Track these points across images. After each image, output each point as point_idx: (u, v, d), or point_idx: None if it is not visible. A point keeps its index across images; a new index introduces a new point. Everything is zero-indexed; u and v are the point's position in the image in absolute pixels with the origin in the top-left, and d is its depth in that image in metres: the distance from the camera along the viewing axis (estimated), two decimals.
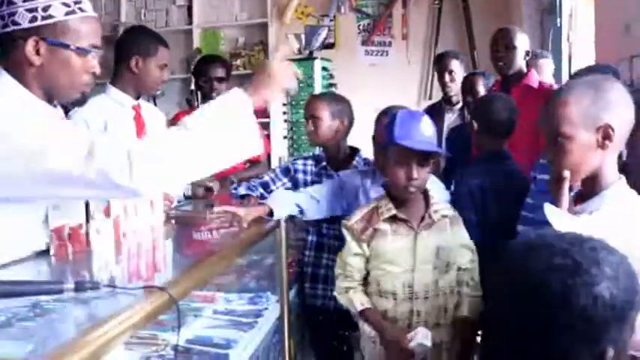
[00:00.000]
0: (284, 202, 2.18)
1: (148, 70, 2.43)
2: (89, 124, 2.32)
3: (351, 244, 1.90)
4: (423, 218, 1.89)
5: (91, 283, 1.15)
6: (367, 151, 2.48)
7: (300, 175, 2.52)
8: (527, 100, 2.52)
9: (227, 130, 1.41)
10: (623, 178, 1.42)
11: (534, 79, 2.92)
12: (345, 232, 1.92)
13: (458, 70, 3.42)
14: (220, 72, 3.22)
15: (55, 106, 1.54)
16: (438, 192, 2.21)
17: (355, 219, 1.92)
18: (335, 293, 1.96)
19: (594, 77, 1.52)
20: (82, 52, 1.44)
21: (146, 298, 1.11)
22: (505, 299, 0.89)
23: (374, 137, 2.26)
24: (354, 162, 2.47)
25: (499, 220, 2.14)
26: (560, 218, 1.28)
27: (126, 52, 2.43)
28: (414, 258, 1.87)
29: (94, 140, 1.31)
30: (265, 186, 2.51)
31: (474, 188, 2.28)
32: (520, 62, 2.93)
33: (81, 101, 1.56)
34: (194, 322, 2.02)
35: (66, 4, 1.41)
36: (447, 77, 3.42)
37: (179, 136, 1.38)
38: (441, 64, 3.50)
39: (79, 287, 1.13)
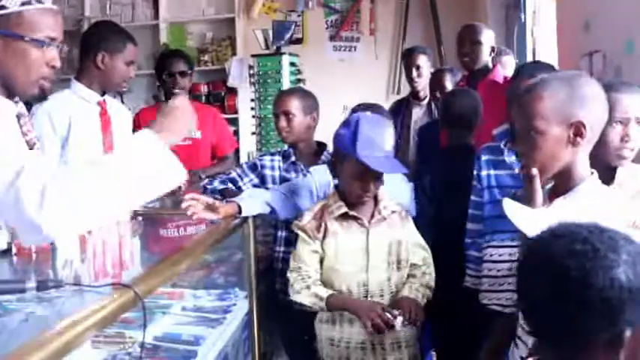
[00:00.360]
0: (254, 201, 2.16)
1: (115, 67, 2.40)
2: (53, 119, 2.30)
3: (306, 244, 1.90)
4: (372, 215, 1.90)
5: (54, 282, 1.14)
6: (330, 147, 2.50)
7: (268, 172, 2.49)
8: (493, 95, 2.56)
9: (144, 165, 1.32)
10: (595, 174, 1.42)
11: (500, 75, 2.97)
12: (299, 232, 1.93)
13: (425, 65, 3.45)
14: (182, 66, 3.18)
15: (16, 102, 1.50)
16: (404, 192, 2.24)
17: (307, 219, 1.92)
18: (292, 296, 1.92)
19: (569, 73, 1.51)
20: (37, 43, 1.39)
21: (111, 296, 1.10)
22: (532, 284, 0.96)
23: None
24: (322, 157, 2.48)
25: (457, 215, 2.17)
26: (520, 214, 1.30)
27: (92, 47, 2.39)
28: (367, 256, 1.88)
29: (24, 164, 1.23)
30: (233, 182, 2.50)
31: (435, 182, 2.31)
32: (485, 58, 2.98)
33: (42, 97, 1.51)
34: (162, 319, 2.01)
35: None
36: (414, 72, 3.45)
37: (97, 173, 1.28)
38: (408, 59, 3.53)
39: (42, 286, 1.12)
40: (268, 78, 3.71)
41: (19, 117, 1.50)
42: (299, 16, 5.11)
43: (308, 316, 2.44)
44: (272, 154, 2.56)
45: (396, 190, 2.17)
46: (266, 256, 2.56)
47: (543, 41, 3.43)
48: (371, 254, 1.87)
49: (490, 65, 3.02)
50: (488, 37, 2.99)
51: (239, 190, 2.47)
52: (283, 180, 2.46)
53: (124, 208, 1.35)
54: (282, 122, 2.46)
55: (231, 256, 2.41)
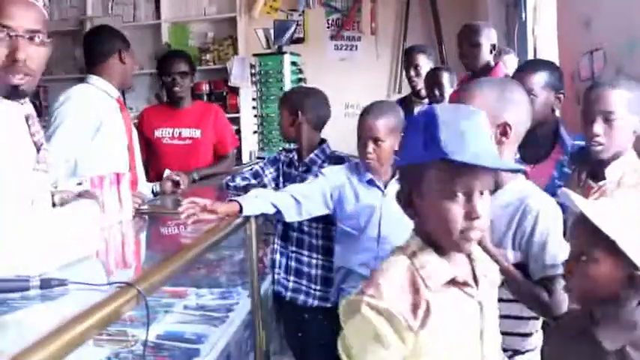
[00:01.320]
0: (258, 200, 2.09)
1: (131, 63, 2.59)
2: (87, 109, 2.36)
3: (388, 336, 1.04)
4: (474, 273, 1.16)
5: (57, 280, 1.14)
6: (333, 146, 2.52)
7: (286, 169, 2.49)
8: None
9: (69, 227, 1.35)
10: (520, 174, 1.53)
11: (502, 72, 2.97)
12: (374, 317, 1.04)
13: (424, 64, 3.46)
14: (183, 67, 3.20)
15: (22, 103, 1.47)
16: None
17: (391, 291, 1.05)
18: None
19: (502, 79, 1.71)
20: None
21: (114, 294, 1.11)
22: None
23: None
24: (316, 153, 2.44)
25: None
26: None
27: (116, 44, 2.53)
28: (482, 345, 1.15)
29: None
30: (256, 176, 2.50)
31: None
32: (486, 57, 2.98)
33: (20, 94, 1.43)
34: (165, 318, 2.02)
35: None
36: (412, 72, 3.46)
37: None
38: (407, 58, 3.54)
39: (45, 284, 1.13)
40: (270, 77, 3.72)
41: (27, 118, 1.47)
42: (300, 15, 5.12)
43: (308, 311, 2.45)
44: (289, 152, 2.55)
45: None
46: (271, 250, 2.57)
47: (544, 40, 3.43)
48: (485, 341, 1.16)
49: (492, 63, 3.02)
50: (488, 37, 2.99)
51: (262, 185, 2.48)
52: (284, 176, 2.48)
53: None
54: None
55: (233, 254, 2.42)
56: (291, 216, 2.12)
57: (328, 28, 5.16)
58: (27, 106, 1.48)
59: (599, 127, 1.65)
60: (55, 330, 0.93)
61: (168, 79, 3.20)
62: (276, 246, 2.45)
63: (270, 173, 2.51)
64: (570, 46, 2.73)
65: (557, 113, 2.22)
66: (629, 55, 2.11)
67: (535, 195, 1.50)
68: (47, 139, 1.86)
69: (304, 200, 2.13)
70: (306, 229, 2.40)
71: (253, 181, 2.47)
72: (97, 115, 2.37)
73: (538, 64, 2.06)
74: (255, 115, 3.78)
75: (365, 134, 2.11)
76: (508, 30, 3.89)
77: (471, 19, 4.24)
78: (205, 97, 4.99)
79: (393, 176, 2.16)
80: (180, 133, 3.24)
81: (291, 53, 3.81)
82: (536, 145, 1.96)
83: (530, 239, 1.45)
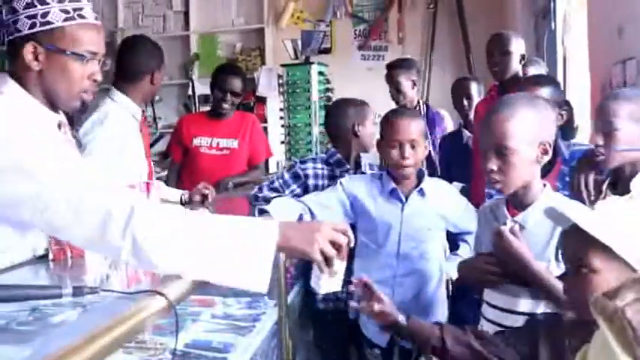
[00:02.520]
0: (286, 208, 2.09)
1: (159, 82, 2.58)
2: (120, 126, 2.38)
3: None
4: None
5: (89, 288, 1.16)
6: None
7: (311, 181, 2.43)
8: None
9: (239, 251, 1.20)
10: (549, 185, 1.59)
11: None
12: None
13: (404, 80, 3.39)
14: (237, 86, 3.24)
15: (57, 110, 1.55)
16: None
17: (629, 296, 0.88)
18: None
19: (531, 96, 1.66)
20: (78, 57, 1.45)
21: (144, 302, 1.12)
22: None
23: (381, 141, 2.18)
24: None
25: None
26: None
27: (150, 65, 2.50)
28: None
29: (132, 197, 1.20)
30: (276, 191, 2.45)
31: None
32: (516, 67, 2.95)
33: (82, 110, 1.57)
34: (192, 326, 2.03)
35: (65, 11, 1.42)
36: (393, 89, 3.40)
37: (195, 221, 1.22)
38: (389, 74, 3.47)
39: (77, 292, 1.14)
40: (297, 87, 3.73)
41: (59, 126, 1.55)
42: (327, 25, 5.14)
43: (343, 320, 2.43)
44: (314, 161, 2.52)
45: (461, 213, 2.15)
46: (295, 263, 2.57)
47: (574, 49, 3.39)
48: None
49: (521, 73, 2.99)
50: (517, 46, 2.96)
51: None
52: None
53: (198, 273, 1.22)
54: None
55: None
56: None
57: (355, 38, 5.18)
58: (60, 115, 1.56)
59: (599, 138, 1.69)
60: (87, 338, 0.94)
61: (219, 94, 3.24)
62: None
63: (291, 191, 2.44)
64: (601, 55, 2.69)
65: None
66: None
67: (571, 205, 1.51)
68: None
69: (321, 210, 2.09)
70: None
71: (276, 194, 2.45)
72: (125, 137, 2.40)
73: (542, 79, 2.04)
74: (283, 125, 3.79)
75: (401, 137, 2.05)
76: (537, 40, 3.85)
77: (499, 29, 4.20)
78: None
79: (416, 186, 2.14)
80: (218, 143, 3.29)
81: (319, 63, 3.82)
82: None
83: None
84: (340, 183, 2.19)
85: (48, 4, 1.40)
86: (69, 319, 1.12)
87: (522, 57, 2.97)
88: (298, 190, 2.45)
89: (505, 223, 1.56)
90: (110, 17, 5.49)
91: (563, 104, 2.03)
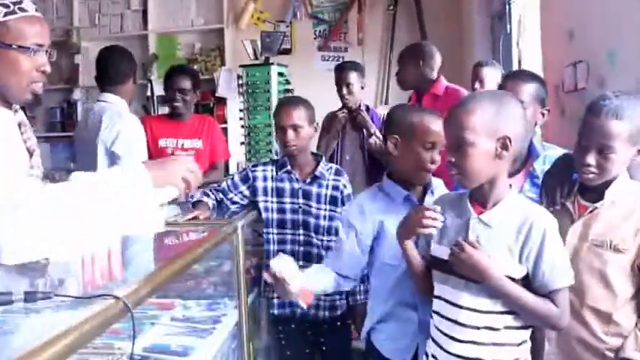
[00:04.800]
0: (322, 280, 1.90)
1: (137, 82, 3.03)
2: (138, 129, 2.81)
3: None
4: None
5: (42, 293, 1.13)
6: None
7: (260, 183, 2.49)
8: (436, 107, 2.49)
9: (119, 201, 1.35)
10: (514, 186, 1.60)
11: (441, 87, 3.26)
12: None
13: (355, 82, 3.44)
14: (187, 84, 3.35)
15: (16, 111, 1.55)
16: None
17: None
18: None
19: (498, 92, 1.73)
20: (25, 50, 1.44)
21: (100, 306, 1.10)
22: None
23: (394, 140, 1.91)
24: (320, 169, 2.47)
25: None
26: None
27: (130, 67, 2.93)
28: None
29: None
30: (224, 193, 2.51)
31: None
32: (428, 75, 3.29)
33: (36, 103, 1.56)
34: (151, 330, 2.01)
35: (5, 5, 1.43)
36: (344, 89, 3.44)
37: (63, 194, 1.31)
38: (338, 75, 3.48)
39: (30, 298, 1.11)
40: (257, 88, 3.72)
41: (20, 125, 1.55)
42: (287, 26, 5.14)
43: (307, 328, 2.44)
44: (264, 164, 2.55)
45: None
46: (255, 265, 2.57)
47: (529, 52, 3.47)
48: None
49: (434, 79, 3.29)
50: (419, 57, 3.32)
51: (230, 202, 2.49)
52: (277, 190, 2.46)
53: (90, 240, 1.34)
54: (290, 135, 2.41)
55: (220, 266, 2.41)
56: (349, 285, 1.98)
57: (315, 39, 5.19)
58: (19, 114, 1.57)
59: (592, 157, 1.57)
60: (39, 344, 0.92)
61: (170, 94, 3.29)
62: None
63: (239, 192, 2.50)
64: (554, 57, 2.76)
65: (538, 129, 2.24)
66: (611, 67, 2.14)
67: (538, 210, 1.54)
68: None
69: (350, 273, 1.94)
70: (315, 241, 2.46)
71: (219, 197, 2.50)
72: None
73: (528, 76, 2.02)
74: (243, 126, 3.78)
75: (440, 138, 1.80)
76: (493, 42, 3.93)
77: (457, 31, 4.30)
78: (193, 108, 4.97)
79: (425, 188, 1.95)
80: (183, 144, 3.32)
81: (279, 64, 3.82)
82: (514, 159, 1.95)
83: (538, 257, 1.48)
84: (352, 225, 1.93)
85: None
86: (20, 326, 1.09)
87: (417, 65, 3.33)
88: (247, 192, 2.51)
89: (469, 220, 1.56)
90: (65, 16, 5.37)
91: (545, 103, 1.97)
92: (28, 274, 1.43)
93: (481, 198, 1.56)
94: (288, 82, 3.83)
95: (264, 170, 2.50)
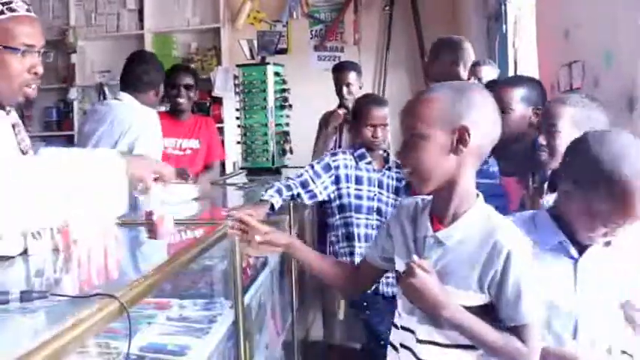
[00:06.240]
0: None
1: (159, 96, 3.06)
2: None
3: None
4: None
5: (38, 293, 1.13)
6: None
7: (342, 170, 2.65)
8: None
9: (89, 182, 1.39)
10: (481, 197, 1.35)
11: None
12: None
13: (355, 82, 3.47)
14: (189, 80, 3.41)
15: (8, 112, 1.54)
16: None
17: None
18: None
19: (462, 82, 1.67)
20: (14, 51, 1.42)
21: (96, 306, 1.10)
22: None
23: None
24: (389, 164, 2.72)
25: None
26: None
27: (159, 79, 2.96)
28: None
29: None
30: (304, 185, 2.56)
31: None
32: (460, 73, 3.11)
33: (28, 104, 1.57)
34: (147, 329, 2.00)
35: None
36: (344, 89, 3.46)
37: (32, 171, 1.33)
38: (338, 75, 3.53)
39: (25, 297, 1.12)
40: (253, 88, 3.71)
41: (13, 126, 1.55)
42: (284, 26, 5.15)
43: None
44: (343, 153, 2.72)
45: None
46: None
47: (524, 52, 3.48)
48: None
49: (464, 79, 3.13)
50: (448, 51, 3.16)
51: (309, 195, 2.56)
52: (356, 178, 2.65)
53: (55, 215, 1.36)
54: (379, 132, 2.64)
55: (217, 265, 2.42)
56: None
57: (312, 38, 5.20)
58: (12, 116, 1.56)
59: (542, 138, 1.77)
60: (35, 344, 0.92)
61: (174, 91, 3.31)
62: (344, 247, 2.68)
63: (321, 183, 2.61)
64: (550, 57, 2.77)
65: None
66: (606, 68, 2.14)
67: (503, 228, 1.31)
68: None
69: None
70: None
71: (297, 191, 2.53)
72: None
73: (517, 80, 2.13)
74: (239, 126, 3.78)
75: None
76: (489, 42, 3.94)
77: (453, 31, 4.30)
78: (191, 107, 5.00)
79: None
80: (180, 144, 3.35)
81: (275, 64, 3.82)
82: (516, 158, 1.99)
83: (501, 284, 1.27)
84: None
85: None
86: (17, 326, 1.09)
87: (454, 61, 3.06)
88: (328, 182, 2.62)
89: (425, 237, 1.35)
90: (61, 15, 5.36)
91: (539, 103, 2.08)
92: (22, 273, 1.43)
93: (440, 209, 1.35)
94: (284, 82, 3.83)
95: (344, 159, 2.67)
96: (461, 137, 1.27)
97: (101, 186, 1.39)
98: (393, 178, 2.73)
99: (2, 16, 1.42)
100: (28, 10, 1.47)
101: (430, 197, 1.39)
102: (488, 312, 1.29)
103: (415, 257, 1.31)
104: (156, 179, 1.52)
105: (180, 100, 3.36)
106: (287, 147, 3.74)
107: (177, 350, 1.85)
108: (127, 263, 1.72)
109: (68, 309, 1.10)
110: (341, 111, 3.48)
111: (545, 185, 1.81)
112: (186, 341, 1.92)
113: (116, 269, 1.60)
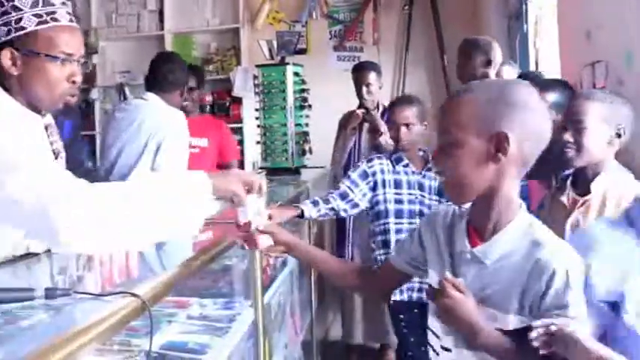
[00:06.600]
0: None
1: (183, 97, 3.04)
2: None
3: None
4: None
5: (61, 290, 1.15)
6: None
7: (379, 176, 2.61)
8: None
9: (178, 205, 1.38)
10: (524, 206, 1.22)
11: None
12: None
13: (375, 82, 3.45)
14: (190, 82, 3.30)
15: (44, 114, 1.58)
16: None
17: None
18: None
19: (506, 79, 1.40)
20: (52, 59, 1.46)
21: (118, 304, 1.11)
22: None
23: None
24: (429, 164, 2.61)
25: None
26: None
27: (185, 79, 2.96)
28: None
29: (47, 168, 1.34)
30: (343, 196, 2.55)
31: None
32: (480, 70, 3.05)
33: (67, 110, 1.60)
34: (168, 328, 2.02)
35: (38, 15, 1.45)
36: (363, 89, 3.44)
37: (130, 193, 1.35)
38: (357, 76, 3.51)
39: (50, 294, 1.13)
40: (272, 88, 3.73)
41: (46, 127, 1.59)
42: (303, 26, 5.15)
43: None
44: (378, 158, 2.67)
45: None
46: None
47: (546, 52, 3.45)
48: None
49: (492, 77, 3.05)
50: (484, 51, 3.06)
51: (351, 205, 2.54)
52: (395, 182, 2.59)
53: (140, 241, 1.38)
54: (403, 132, 2.57)
55: (237, 264, 2.43)
56: None
57: (331, 38, 5.19)
58: (47, 117, 1.60)
59: (568, 134, 1.71)
60: (59, 341, 0.94)
61: None
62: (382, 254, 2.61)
63: (360, 191, 2.58)
64: (572, 58, 2.74)
65: None
66: (628, 68, 2.12)
67: (548, 243, 1.17)
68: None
69: None
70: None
71: (336, 204, 2.51)
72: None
73: (550, 84, 2.10)
74: (258, 126, 3.79)
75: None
76: (510, 42, 3.91)
77: (473, 31, 4.27)
78: (209, 108, 5.03)
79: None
80: (190, 142, 3.34)
81: (294, 64, 3.83)
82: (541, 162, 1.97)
83: (552, 306, 1.13)
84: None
85: (21, 10, 1.43)
86: (41, 322, 1.11)
87: (488, 62, 3.03)
88: (366, 189, 2.59)
89: (461, 252, 1.22)
90: (83, 16, 5.42)
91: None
92: (47, 271, 1.45)
93: (478, 222, 1.22)
94: (303, 82, 3.84)
95: (380, 164, 2.63)
96: (499, 144, 1.13)
97: (190, 213, 1.40)
98: (434, 179, 2.62)
99: (45, 25, 1.46)
100: (70, 21, 1.52)
101: (466, 206, 1.27)
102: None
103: (448, 275, 1.19)
104: (248, 191, 1.49)
105: (184, 103, 3.35)
106: (306, 147, 3.75)
107: (198, 349, 1.86)
108: (148, 262, 1.74)
109: (91, 306, 1.12)
110: (360, 111, 3.47)
111: (568, 182, 1.78)
112: (206, 340, 1.93)
113: (138, 268, 1.62)
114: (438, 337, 1.29)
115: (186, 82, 2.96)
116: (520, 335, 1.14)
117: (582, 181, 1.73)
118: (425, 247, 1.35)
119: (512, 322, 1.16)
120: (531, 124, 1.15)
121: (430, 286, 1.29)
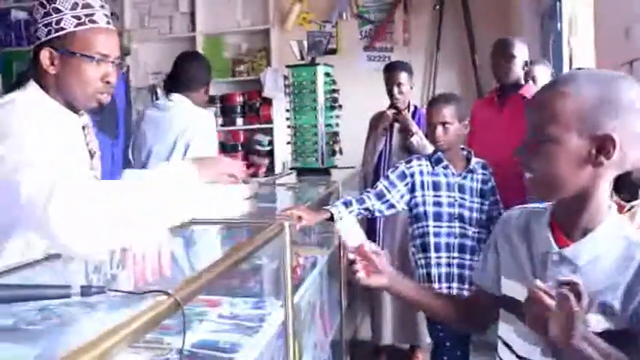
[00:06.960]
0: None
1: (208, 94, 3.11)
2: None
3: None
4: None
5: (97, 288, 1.16)
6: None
7: (417, 177, 2.55)
8: (521, 111, 2.50)
9: (167, 194, 1.46)
10: (614, 208, 1.13)
11: (531, 91, 2.96)
12: None
13: (406, 82, 3.41)
14: None
15: (81, 114, 1.65)
16: None
17: None
18: None
19: (608, 72, 1.13)
20: (87, 59, 1.52)
21: (152, 302, 1.12)
22: None
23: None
24: (472, 163, 2.53)
25: None
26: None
27: (208, 77, 3.00)
28: None
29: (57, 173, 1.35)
30: (379, 196, 2.52)
31: None
32: (518, 72, 2.98)
33: (100, 110, 1.64)
34: (199, 326, 2.03)
35: (77, 17, 1.52)
36: (395, 89, 3.41)
37: (129, 197, 1.39)
38: (389, 75, 3.47)
39: (85, 292, 1.15)
40: (303, 88, 3.73)
41: (83, 127, 1.65)
42: (333, 26, 5.15)
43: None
44: (418, 159, 2.60)
45: None
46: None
47: (580, 50, 3.38)
48: None
49: (522, 81, 3.02)
50: (521, 52, 2.99)
51: (387, 206, 2.51)
52: (434, 184, 2.53)
53: (139, 233, 1.43)
54: (439, 132, 2.48)
55: (267, 264, 2.43)
56: None
57: (361, 39, 5.18)
58: (84, 117, 1.66)
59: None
60: (95, 337, 0.95)
61: None
62: (421, 259, 2.55)
63: (397, 192, 2.53)
64: (608, 56, 2.68)
65: None
66: None
67: None
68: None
69: None
70: (470, 234, 2.50)
71: (371, 204, 2.49)
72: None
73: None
74: (289, 126, 3.80)
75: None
76: (543, 41, 3.85)
77: (505, 30, 4.22)
78: (239, 108, 5.06)
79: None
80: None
81: (325, 64, 3.83)
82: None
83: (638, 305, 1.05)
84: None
85: (61, 11, 1.50)
86: (77, 319, 1.12)
87: (525, 63, 2.99)
88: (404, 190, 2.54)
89: (547, 254, 1.13)
90: (117, 18, 5.51)
91: None
92: (82, 269, 1.47)
93: (566, 221, 1.14)
94: (334, 83, 3.83)
95: (419, 165, 2.56)
96: (602, 148, 1.04)
97: (182, 201, 1.50)
98: (477, 181, 2.54)
99: (83, 27, 1.52)
100: (107, 23, 1.58)
101: (542, 205, 1.19)
102: (625, 339, 1.05)
103: (538, 282, 1.04)
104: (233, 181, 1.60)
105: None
106: (336, 147, 3.74)
107: (229, 348, 1.87)
108: (181, 261, 1.75)
109: (125, 304, 1.13)
110: (390, 112, 3.44)
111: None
112: (237, 339, 1.94)
113: (170, 267, 1.63)
114: (509, 346, 1.22)
115: (210, 79, 3.00)
116: (614, 338, 1.05)
117: (629, 186, 1.65)
118: (499, 253, 1.27)
119: (610, 323, 1.08)
120: (637, 126, 1.05)
121: (504, 296, 1.21)
